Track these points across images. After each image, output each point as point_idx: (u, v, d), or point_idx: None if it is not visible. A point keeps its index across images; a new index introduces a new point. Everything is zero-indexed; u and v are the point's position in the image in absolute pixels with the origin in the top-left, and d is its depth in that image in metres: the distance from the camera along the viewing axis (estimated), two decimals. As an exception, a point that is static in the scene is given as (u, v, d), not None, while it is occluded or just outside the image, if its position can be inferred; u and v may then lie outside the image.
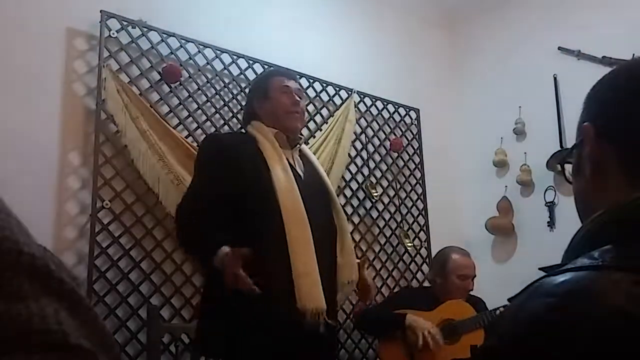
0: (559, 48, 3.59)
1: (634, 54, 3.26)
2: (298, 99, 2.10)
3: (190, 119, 2.77)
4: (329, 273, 1.96)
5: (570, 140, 3.43)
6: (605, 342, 0.51)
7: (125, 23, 2.61)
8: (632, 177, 0.69)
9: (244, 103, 2.95)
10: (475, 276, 2.92)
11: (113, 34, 2.57)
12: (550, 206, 3.49)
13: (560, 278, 0.59)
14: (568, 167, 0.83)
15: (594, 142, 0.72)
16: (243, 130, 2.18)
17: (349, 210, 3.28)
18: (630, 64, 0.77)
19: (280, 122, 2.04)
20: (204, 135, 2.78)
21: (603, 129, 0.72)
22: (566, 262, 0.64)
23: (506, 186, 3.71)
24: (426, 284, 3.37)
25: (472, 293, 2.94)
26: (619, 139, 0.70)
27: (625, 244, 0.61)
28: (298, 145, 2.11)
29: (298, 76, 3.15)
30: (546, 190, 3.51)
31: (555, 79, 3.59)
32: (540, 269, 0.71)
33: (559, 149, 3.47)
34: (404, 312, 2.74)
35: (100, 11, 2.54)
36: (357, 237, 3.28)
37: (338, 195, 3.18)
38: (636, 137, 0.69)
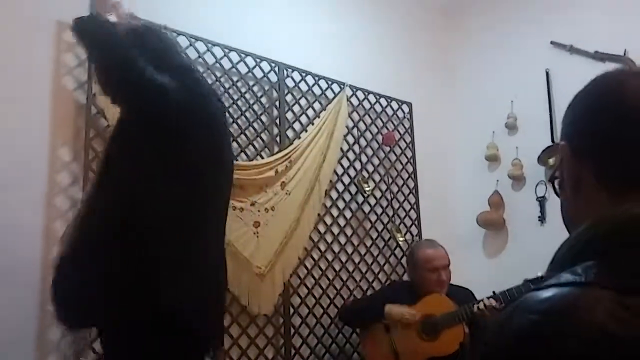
0: (552, 42, 3.59)
1: (625, 49, 3.28)
2: None
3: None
4: None
5: (561, 135, 3.45)
6: (588, 359, 0.53)
7: (115, 16, 2.58)
8: (610, 191, 0.71)
9: (235, 97, 2.95)
10: (448, 265, 2.85)
11: (103, 27, 2.54)
12: (542, 201, 3.50)
13: (545, 294, 0.60)
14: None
15: (571, 160, 0.75)
16: None
17: (341, 204, 3.29)
18: (598, 81, 0.78)
19: None
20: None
21: (577, 146, 0.75)
22: (551, 275, 0.65)
23: (497, 180, 3.72)
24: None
25: (457, 284, 2.93)
26: (592, 156, 0.72)
27: (607, 260, 0.61)
28: None
29: (290, 70, 3.16)
30: (537, 185, 3.53)
31: (547, 73, 3.59)
32: (526, 280, 0.73)
33: (551, 143, 3.48)
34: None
35: (89, 4, 2.49)
36: (349, 231, 3.28)
37: (330, 190, 3.21)
38: (607, 153, 0.71)
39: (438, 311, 2.73)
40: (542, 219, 3.49)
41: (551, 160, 3.43)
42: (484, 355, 0.62)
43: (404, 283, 3.21)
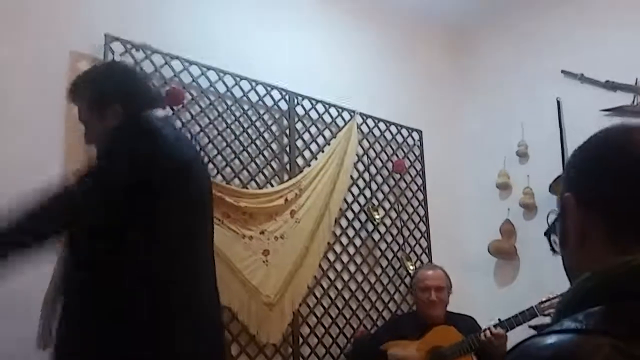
0: (562, 71, 3.59)
1: (637, 78, 3.28)
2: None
3: (193, 141, 2.77)
4: None
5: (573, 164, 3.43)
6: None
7: (128, 46, 2.62)
8: (615, 241, 0.71)
9: (245, 125, 2.97)
10: (442, 286, 2.84)
11: (117, 57, 2.58)
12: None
13: (547, 340, 0.61)
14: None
15: (576, 211, 0.76)
16: None
17: (351, 232, 3.27)
18: (605, 133, 0.79)
19: None
20: (206, 158, 2.79)
21: (583, 197, 0.76)
22: (554, 323, 0.66)
23: (509, 209, 3.69)
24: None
25: (463, 312, 2.90)
26: (598, 206, 0.74)
27: (608, 308, 0.63)
28: None
29: (301, 98, 3.18)
30: (549, 214, 3.49)
31: (558, 102, 3.58)
32: (530, 327, 0.74)
33: (562, 172, 3.45)
34: (387, 347, 2.75)
35: (104, 34, 2.55)
36: (358, 260, 3.27)
37: (339, 218, 3.20)
38: (613, 203, 0.72)
39: (445, 342, 2.71)
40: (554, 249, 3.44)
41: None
42: None
43: (410, 314, 3.19)
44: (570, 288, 0.71)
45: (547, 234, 0.88)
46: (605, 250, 0.72)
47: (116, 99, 1.89)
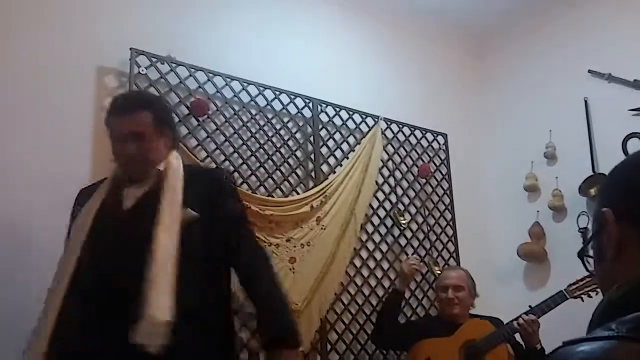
0: (589, 71, 3.54)
1: (666, 77, 3.21)
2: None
3: (218, 151, 2.81)
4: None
5: (602, 165, 3.38)
6: None
7: (154, 59, 2.67)
8: None
9: (270, 134, 2.99)
10: (458, 285, 2.85)
11: (142, 70, 2.63)
12: (584, 232, 3.40)
13: (578, 348, 0.61)
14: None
15: (615, 225, 0.77)
16: None
17: (377, 238, 3.27)
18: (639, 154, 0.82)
19: (122, 169, 1.98)
20: (232, 168, 2.82)
21: (623, 211, 0.77)
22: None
23: (538, 211, 3.65)
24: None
25: (488, 314, 2.88)
26: (635, 221, 0.75)
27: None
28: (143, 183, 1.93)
29: (324, 105, 3.19)
30: (579, 216, 3.44)
31: (586, 102, 3.53)
32: (564, 342, 0.75)
33: (592, 173, 3.40)
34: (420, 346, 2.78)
35: (130, 49, 2.60)
36: (385, 265, 3.26)
37: (365, 224, 3.20)
38: None
39: (477, 335, 2.71)
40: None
41: (592, 191, 3.35)
42: None
43: (437, 316, 3.17)
44: (603, 298, 0.72)
45: (580, 255, 0.89)
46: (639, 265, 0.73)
47: (174, 127, 2.03)
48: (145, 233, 1.75)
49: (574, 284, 2.62)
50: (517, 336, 2.69)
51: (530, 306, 2.66)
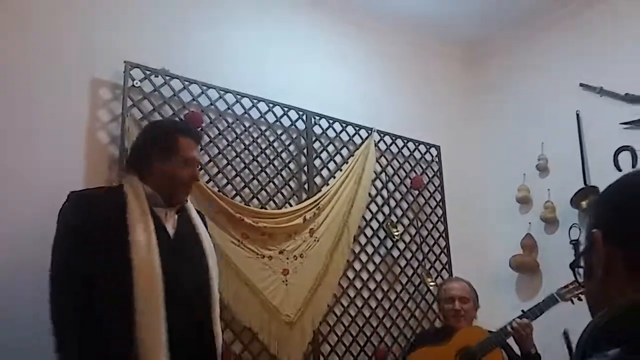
0: (581, 84, 3.56)
1: (657, 91, 3.24)
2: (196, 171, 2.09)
3: (212, 163, 2.82)
4: (198, 338, 1.93)
5: (593, 177, 3.41)
6: None
7: (148, 72, 2.68)
8: (636, 276, 0.75)
9: (263, 146, 3.00)
10: (464, 297, 2.90)
11: (136, 83, 2.64)
12: (575, 244, 3.42)
13: None
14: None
15: (603, 246, 0.80)
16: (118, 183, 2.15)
17: (370, 250, 3.28)
18: (628, 178, 0.84)
19: (171, 190, 2.00)
20: (225, 180, 2.83)
21: (611, 233, 0.80)
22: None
23: (530, 223, 3.67)
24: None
25: (484, 328, 2.89)
26: (622, 244, 0.78)
27: (626, 343, 0.66)
28: (177, 206, 2.06)
29: (318, 117, 3.21)
30: (571, 228, 3.46)
31: (577, 115, 3.56)
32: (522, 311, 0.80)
33: (583, 186, 3.43)
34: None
35: (124, 61, 2.61)
36: (378, 277, 3.27)
37: (358, 235, 3.21)
38: (636, 242, 0.76)
39: (472, 341, 2.73)
40: (576, 262, 3.41)
41: (584, 203, 3.38)
42: None
43: (438, 329, 3.19)
44: (589, 323, 0.75)
45: (572, 266, 0.92)
46: (627, 288, 0.76)
47: None
48: (198, 259, 2.00)
49: (564, 287, 2.68)
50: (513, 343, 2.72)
51: (522, 310, 2.71)
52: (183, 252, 1.96)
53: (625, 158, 3.31)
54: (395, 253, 3.39)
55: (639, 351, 0.64)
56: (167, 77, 2.74)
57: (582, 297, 2.64)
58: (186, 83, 2.80)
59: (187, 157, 2.03)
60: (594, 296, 0.84)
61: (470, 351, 2.72)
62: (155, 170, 2.00)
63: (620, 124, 3.32)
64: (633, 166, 3.26)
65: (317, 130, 3.24)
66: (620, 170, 3.32)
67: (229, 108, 2.92)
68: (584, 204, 3.40)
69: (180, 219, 2.05)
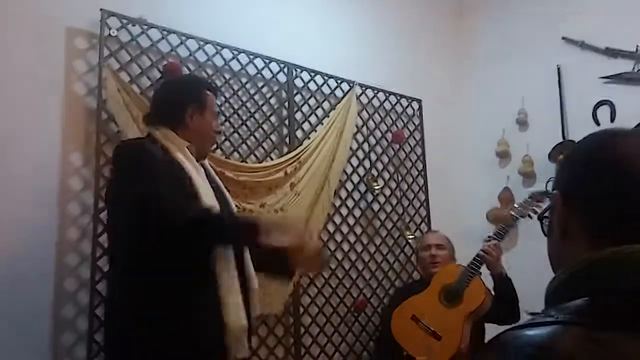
0: (563, 38, 3.56)
1: (638, 45, 3.25)
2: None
3: (191, 116, 2.77)
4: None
5: (572, 131, 3.45)
6: None
7: (125, 21, 2.60)
8: (592, 241, 0.78)
9: (244, 99, 2.96)
10: (440, 244, 3.04)
11: (113, 32, 2.55)
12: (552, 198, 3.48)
13: (522, 332, 0.69)
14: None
15: (562, 209, 0.82)
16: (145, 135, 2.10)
17: (350, 203, 3.30)
18: (592, 139, 0.85)
19: (203, 143, 2.07)
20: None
21: (568, 196, 0.82)
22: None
23: (508, 177, 3.72)
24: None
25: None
26: (580, 207, 0.80)
27: (580, 301, 0.70)
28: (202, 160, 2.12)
29: (299, 70, 3.17)
30: (548, 182, 3.50)
31: (558, 69, 3.56)
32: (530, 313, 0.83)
33: (562, 140, 3.47)
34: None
35: (100, 9, 2.52)
36: (358, 230, 3.30)
37: (339, 189, 3.22)
38: (593, 205, 0.79)
39: (451, 279, 2.85)
40: (552, 215, 3.48)
41: (561, 158, 3.42)
42: None
43: (417, 281, 3.27)
44: (552, 280, 0.78)
45: (540, 217, 0.95)
46: (580, 244, 0.78)
47: None
48: (227, 209, 2.05)
49: (519, 206, 2.90)
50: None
51: (489, 236, 2.89)
52: (221, 202, 1.99)
53: (604, 112, 3.34)
54: (376, 207, 3.41)
55: (596, 306, 0.68)
56: (145, 27, 2.66)
57: (533, 215, 2.87)
58: (165, 33, 2.72)
59: (213, 111, 2.13)
60: (552, 254, 0.87)
61: (451, 288, 2.82)
62: (191, 125, 2.03)
63: (600, 78, 3.34)
64: (612, 120, 3.30)
65: (299, 83, 3.20)
66: (598, 124, 3.36)
67: (208, 59, 2.86)
68: (561, 158, 3.44)
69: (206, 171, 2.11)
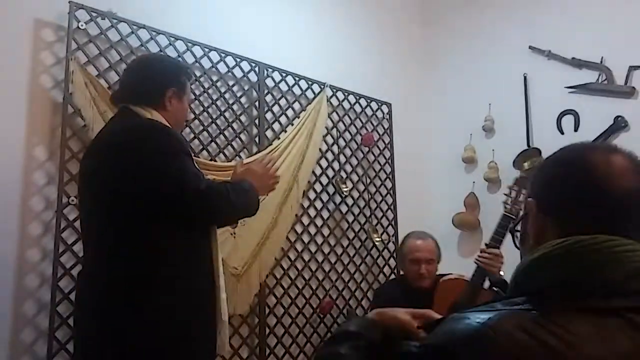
0: (530, 47, 3.63)
1: (602, 57, 3.33)
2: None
3: (160, 112, 2.74)
4: None
5: (536, 139, 3.51)
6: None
7: (94, 14, 2.55)
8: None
9: (214, 97, 2.94)
10: (430, 259, 2.85)
11: (82, 25, 2.51)
12: (515, 204, 3.54)
13: (466, 314, 0.78)
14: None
15: (537, 215, 0.89)
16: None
17: (319, 205, 3.31)
18: (565, 152, 0.91)
19: (176, 127, 1.98)
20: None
21: (542, 204, 0.89)
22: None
23: (474, 182, 3.77)
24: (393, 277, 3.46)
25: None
26: (552, 214, 0.87)
27: (535, 292, 0.79)
28: None
29: (271, 70, 3.16)
30: (509, 189, 3.55)
31: (525, 77, 3.63)
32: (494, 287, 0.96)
33: (526, 147, 3.53)
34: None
35: (69, 2, 2.48)
36: (326, 231, 3.31)
37: (308, 190, 3.22)
38: (565, 213, 0.86)
39: (456, 295, 2.64)
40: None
41: (526, 164, 3.48)
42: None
43: (393, 282, 3.23)
44: (514, 271, 0.87)
45: (511, 230, 1.04)
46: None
47: None
48: None
49: (506, 202, 2.68)
50: None
51: (486, 244, 2.66)
52: None
53: (568, 122, 3.42)
54: (344, 209, 3.43)
55: (534, 303, 0.76)
56: (115, 21, 2.62)
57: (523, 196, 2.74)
58: (134, 27, 2.68)
59: (189, 98, 2.11)
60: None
61: (459, 305, 2.59)
62: (169, 108, 1.96)
63: (565, 87, 3.41)
64: (575, 130, 3.38)
65: (270, 82, 3.19)
66: (562, 133, 3.43)
67: (179, 56, 2.82)
68: (525, 165, 3.50)
69: None
